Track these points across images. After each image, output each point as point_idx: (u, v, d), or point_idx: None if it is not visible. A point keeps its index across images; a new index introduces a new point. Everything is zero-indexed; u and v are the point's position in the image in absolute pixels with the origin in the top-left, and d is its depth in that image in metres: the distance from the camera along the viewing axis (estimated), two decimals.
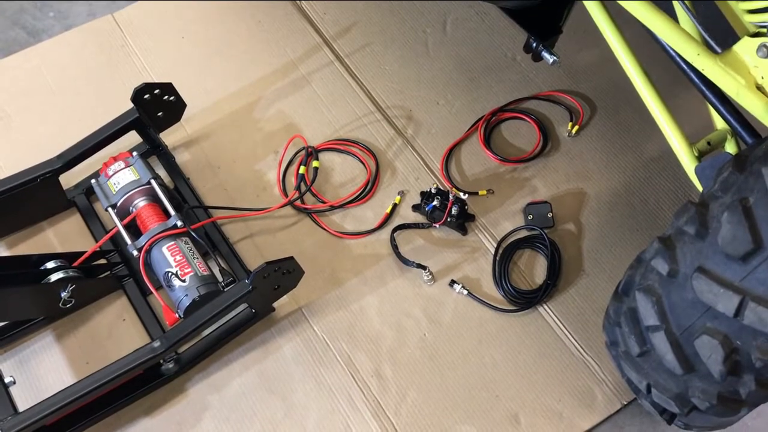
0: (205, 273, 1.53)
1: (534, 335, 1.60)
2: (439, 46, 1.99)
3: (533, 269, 1.67)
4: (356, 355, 1.58)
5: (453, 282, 1.64)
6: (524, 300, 1.62)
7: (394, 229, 1.70)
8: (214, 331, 1.56)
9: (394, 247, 1.68)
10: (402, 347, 1.59)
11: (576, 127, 1.83)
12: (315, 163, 1.76)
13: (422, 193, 1.73)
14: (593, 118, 1.87)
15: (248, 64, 1.96)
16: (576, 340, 1.59)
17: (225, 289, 1.52)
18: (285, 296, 1.59)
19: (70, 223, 1.72)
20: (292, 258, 1.47)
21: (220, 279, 1.56)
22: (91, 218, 1.70)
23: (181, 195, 1.73)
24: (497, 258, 1.68)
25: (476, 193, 1.76)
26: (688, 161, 1.40)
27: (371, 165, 1.80)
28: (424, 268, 1.64)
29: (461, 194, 1.70)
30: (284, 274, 1.49)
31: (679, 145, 1.41)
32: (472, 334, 1.60)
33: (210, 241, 1.67)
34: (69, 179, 1.71)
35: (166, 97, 1.70)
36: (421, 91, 1.92)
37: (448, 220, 1.67)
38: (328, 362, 1.57)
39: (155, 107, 1.70)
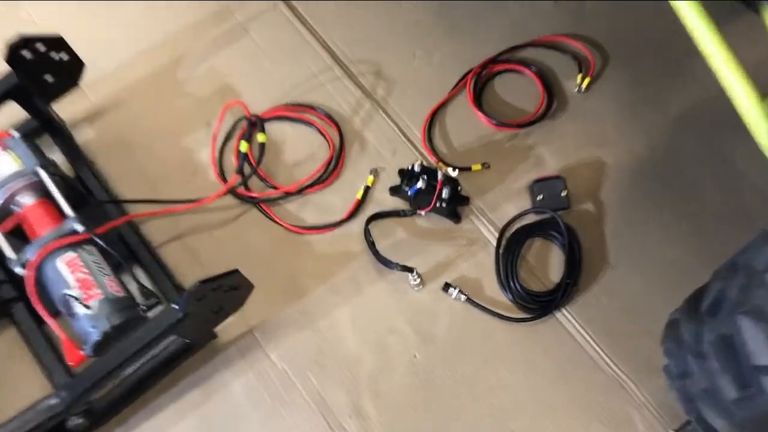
0: (118, 294, 1.13)
1: (553, 349, 1.25)
2: None
3: (547, 264, 1.32)
4: (328, 388, 1.21)
5: (447, 285, 1.28)
6: (538, 304, 1.28)
7: (369, 219, 1.32)
8: (136, 370, 1.17)
9: (370, 243, 1.30)
10: (386, 374, 1.22)
11: (587, 80, 1.47)
12: (261, 137, 1.35)
13: (402, 172, 1.35)
14: (606, 67, 1.51)
15: (166, 10, 1.52)
16: (605, 353, 1.25)
17: (147, 314, 1.13)
18: (232, 317, 1.21)
19: None
20: (236, 272, 1.08)
21: (141, 300, 1.16)
22: None
23: (86, 186, 1.31)
24: (501, 251, 1.32)
25: (469, 169, 1.38)
26: (760, 120, 1.05)
27: (333, 137, 1.41)
28: (410, 270, 1.27)
29: (451, 171, 1.32)
30: (227, 291, 1.10)
31: (746, 99, 1.06)
32: (475, 352, 1.25)
33: (126, 247, 1.26)
34: None
35: (54, 54, 1.26)
36: (391, 41, 1.52)
37: (437, 205, 1.30)
38: (292, 401, 1.20)
39: (42, 68, 1.26)
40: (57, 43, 1.25)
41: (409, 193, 1.31)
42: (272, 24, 1.53)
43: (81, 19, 1.50)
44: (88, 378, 1.04)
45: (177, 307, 1.04)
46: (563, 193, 1.34)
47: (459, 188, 1.32)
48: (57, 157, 1.32)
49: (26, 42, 1.21)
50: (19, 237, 1.19)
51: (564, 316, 1.28)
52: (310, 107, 1.43)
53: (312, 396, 1.20)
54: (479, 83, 1.47)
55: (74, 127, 1.40)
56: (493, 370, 1.23)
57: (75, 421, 1.12)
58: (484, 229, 1.35)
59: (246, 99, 1.41)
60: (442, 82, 1.47)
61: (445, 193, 1.29)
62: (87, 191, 1.30)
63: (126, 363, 1.06)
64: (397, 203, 1.36)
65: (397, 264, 1.27)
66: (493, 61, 1.49)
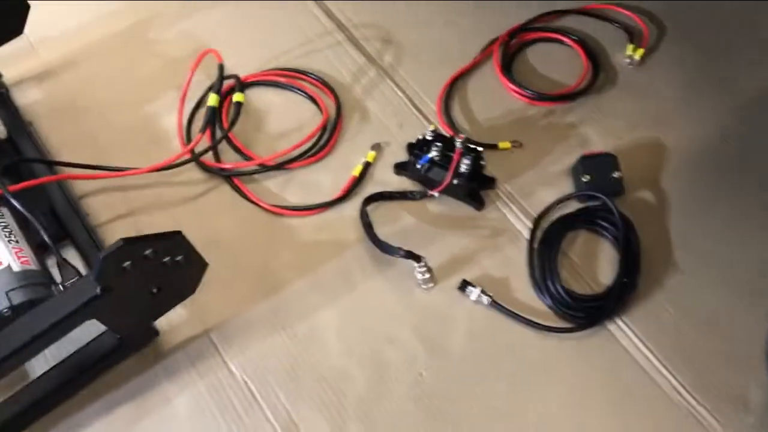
0: (27, 266, 0.85)
1: (603, 368, 0.94)
2: None
3: (595, 262, 1.02)
4: (302, 411, 0.91)
5: (465, 284, 0.99)
6: (584, 311, 0.97)
7: (367, 200, 1.05)
8: (49, 371, 0.88)
9: (367, 224, 1.02)
10: (381, 397, 0.92)
11: (640, 51, 1.21)
12: (238, 97, 1.09)
13: (410, 146, 1.08)
14: (663, 40, 1.25)
15: None
16: (675, 377, 0.94)
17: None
18: (179, 307, 0.92)
19: None
20: (178, 234, 0.79)
21: (60, 279, 0.88)
22: None
23: (18, 151, 1.05)
24: (535, 245, 1.03)
25: (495, 146, 1.11)
26: None
27: (329, 105, 1.15)
28: (416, 258, 0.98)
29: (470, 143, 1.05)
30: (169, 266, 0.81)
31: None
32: (501, 371, 0.94)
33: (57, 222, 0.99)
34: None
35: None
36: (402, 3, 1.28)
37: (454, 182, 1.02)
38: (253, 425, 0.90)
39: None
40: None
41: (418, 165, 1.03)
42: None
43: None
44: None
45: (92, 275, 0.75)
46: (616, 174, 1.06)
47: (482, 162, 1.04)
48: None
49: None
50: None
51: (619, 327, 0.97)
52: (302, 72, 1.18)
53: (280, 419, 0.90)
54: (509, 52, 1.21)
55: (17, 86, 1.15)
56: (523, 396, 0.92)
57: None
58: (513, 217, 1.06)
59: (227, 65, 1.16)
60: (463, 50, 1.22)
61: (463, 166, 1.01)
62: (18, 155, 1.05)
63: (18, 354, 0.76)
64: (404, 184, 1.08)
65: (401, 249, 0.98)
66: (525, 28, 1.24)
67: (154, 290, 0.83)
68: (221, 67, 1.08)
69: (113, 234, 1.02)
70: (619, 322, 0.97)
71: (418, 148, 1.05)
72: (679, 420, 0.91)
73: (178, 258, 0.81)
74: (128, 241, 0.74)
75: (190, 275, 0.86)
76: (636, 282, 0.99)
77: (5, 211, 0.89)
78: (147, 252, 0.77)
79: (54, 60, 1.19)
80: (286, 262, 1.01)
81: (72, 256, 0.98)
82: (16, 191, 0.90)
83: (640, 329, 0.97)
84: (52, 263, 0.92)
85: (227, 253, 1.01)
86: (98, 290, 0.76)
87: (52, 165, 1.02)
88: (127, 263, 0.76)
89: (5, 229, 0.87)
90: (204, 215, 1.05)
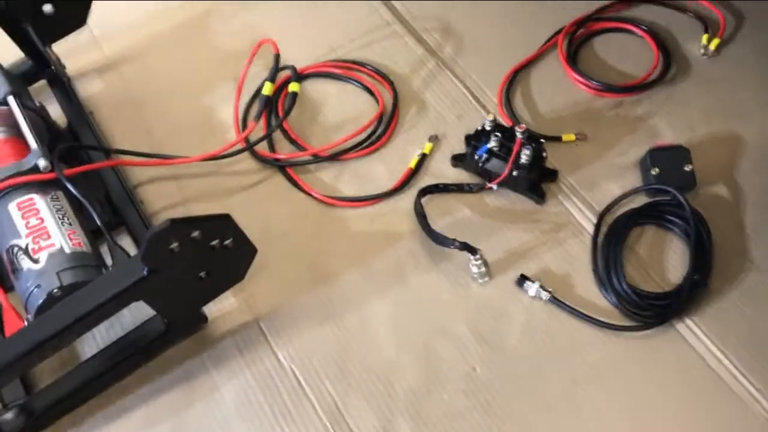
0: (78, 249, 0.85)
1: (673, 370, 0.88)
2: None
3: (664, 258, 0.96)
4: (350, 403, 0.88)
5: (524, 279, 0.94)
6: (652, 310, 0.91)
7: (422, 191, 1.01)
8: (98, 354, 0.88)
9: (421, 215, 0.98)
10: (433, 391, 0.88)
11: (716, 41, 1.14)
12: (293, 87, 1.08)
13: (469, 138, 1.04)
14: (740, 30, 1.18)
15: None
16: (746, 376, 0.87)
17: None
18: (228, 295, 0.91)
19: None
20: (226, 217, 0.78)
21: (110, 262, 0.88)
22: None
23: (78, 140, 1.07)
24: (600, 240, 0.97)
25: (559, 139, 1.06)
26: None
27: (386, 96, 1.12)
28: (472, 250, 0.94)
29: (531, 133, 1.00)
30: (217, 249, 0.80)
31: None
32: (560, 369, 0.89)
33: (112, 208, 1.00)
34: None
35: None
36: None
37: (514, 174, 0.98)
38: (299, 415, 0.87)
39: None
40: None
41: (476, 156, 0.99)
42: None
43: None
44: (8, 352, 0.75)
45: (140, 255, 0.74)
46: (687, 168, 0.99)
47: (544, 155, 0.99)
48: (53, 110, 1.09)
49: None
50: None
51: (688, 327, 0.91)
52: (360, 63, 1.16)
53: (327, 411, 0.87)
54: (574, 42, 1.17)
55: (80, 78, 1.17)
56: (585, 396, 0.87)
57: (5, 417, 0.83)
58: (576, 211, 1.01)
59: (285, 57, 1.14)
60: (526, 41, 1.17)
61: (524, 157, 0.97)
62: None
63: (64, 334, 0.76)
64: (461, 176, 1.05)
65: (456, 240, 0.94)
66: (592, 18, 1.19)
67: (203, 274, 0.82)
68: (277, 57, 1.07)
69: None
70: (689, 322, 0.91)
71: (476, 139, 1.01)
72: (751, 424, 0.84)
73: (227, 242, 0.80)
74: (176, 222, 0.73)
75: (239, 260, 0.85)
76: (707, 280, 0.93)
77: (60, 194, 0.90)
78: (195, 234, 0.75)
79: (115, 52, 1.21)
80: (339, 252, 0.99)
81: (127, 244, 0.99)
82: (72, 175, 0.90)
83: (711, 329, 0.90)
84: (105, 251, 0.92)
85: (279, 243, 0.99)
86: (145, 271, 0.75)
87: (108, 152, 1.02)
88: (174, 245, 0.75)
89: (59, 212, 0.87)
90: (257, 205, 1.04)
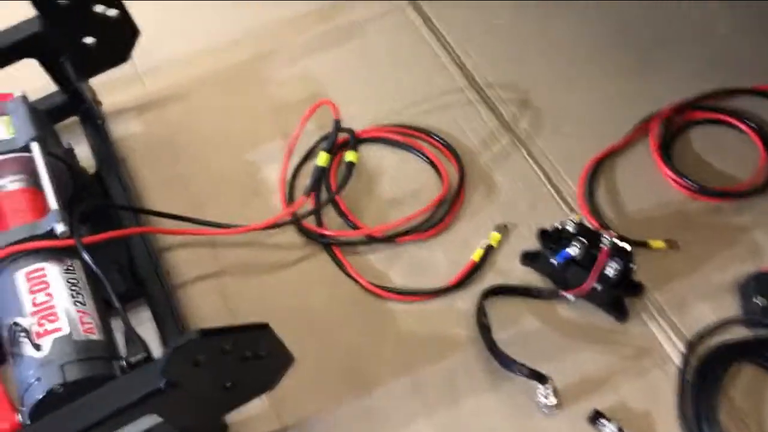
0: (89, 336, 0.73)
1: None
2: (581, 1, 1.20)
3: (765, 408, 0.82)
4: None
5: (598, 415, 0.80)
6: None
7: (486, 293, 0.88)
8: None
9: (484, 328, 0.85)
10: None
11: None
12: (350, 155, 0.95)
13: (544, 233, 0.91)
14: None
15: None
16: None
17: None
18: (256, 400, 0.79)
19: None
20: (266, 327, 0.66)
21: (124, 353, 0.76)
22: None
23: (105, 189, 0.96)
24: (688, 376, 0.83)
25: (646, 245, 0.93)
26: None
27: (451, 173, 1.00)
28: (541, 379, 0.80)
29: (622, 243, 0.87)
30: (248, 359, 0.67)
31: None
32: None
33: (134, 277, 0.88)
34: None
35: (102, 9, 0.94)
36: (546, 63, 1.12)
37: (597, 288, 0.84)
38: None
39: (81, 23, 0.94)
40: None
41: (554, 260, 0.86)
42: (392, 27, 1.17)
43: None
44: None
45: (160, 366, 0.62)
46: None
47: (633, 267, 0.86)
48: (81, 150, 0.99)
49: None
50: None
51: None
52: (424, 132, 1.04)
53: None
54: (669, 132, 1.03)
55: (117, 115, 1.06)
56: None
57: None
58: (662, 336, 0.87)
59: (345, 114, 1.02)
60: (613, 123, 1.04)
61: (610, 271, 0.83)
62: (105, 194, 0.95)
63: None
64: (529, 277, 0.92)
65: (523, 367, 0.81)
66: (692, 105, 1.05)
67: (228, 384, 0.70)
68: (337, 124, 0.94)
69: (194, 298, 0.90)
70: None
71: (553, 238, 0.88)
72: None
73: (262, 351, 0.68)
74: (206, 334, 0.61)
75: (271, 369, 0.72)
76: None
77: (76, 264, 0.78)
78: (228, 345, 0.63)
79: (158, 90, 1.10)
80: (384, 355, 0.86)
81: (146, 317, 0.87)
82: (92, 243, 0.79)
83: None
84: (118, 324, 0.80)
85: (318, 335, 0.87)
86: (162, 384, 0.63)
87: (136, 212, 0.91)
88: (201, 356, 0.63)
89: (73, 287, 0.76)
90: (297, 285, 0.91)
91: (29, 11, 0.90)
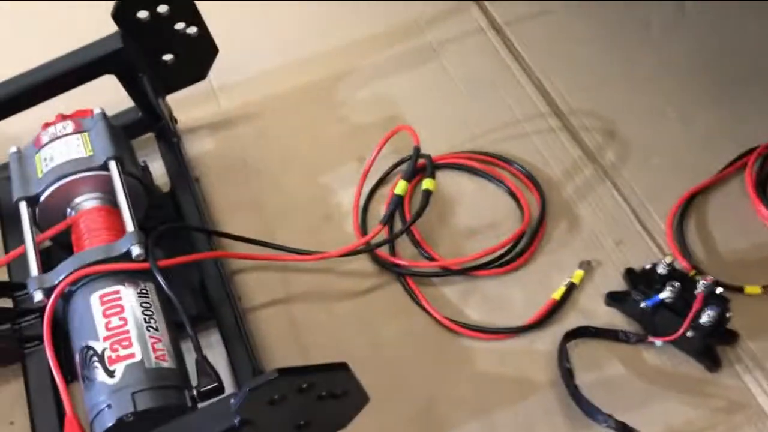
0: (162, 363, 0.71)
1: None
2: (670, 28, 1.15)
3: None
4: None
5: None
6: None
7: (569, 335, 0.84)
8: None
9: (566, 372, 0.81)
10: None
11: None
12: (427, 184, 0.92)
13: (631, 273, 0.86)
14: None
15: (346, 15, 1.19)
16: None
17: (199, 405, 0.71)
18: None
19: None
20: (344, 367, 0.63)
21: (193, 378, 0.74)
22: (12, 223, 0.93)
23: (178, 208, 0.94)
24: None
25: (741, 290, 0.87)
26: None
27: (531, 204, 0.96)
28: None
29: (717, 287, 0.81)
30: (323, 398, 0.65)
31: None
32: None
33: (205, 300, 0.86)
34: None
35: (182, 26, 0.94)
36: (633, 93, 1.07)
37: (689, 335, 0.79)
38: None
39: (161, 41, 0.94)
40: (187, 10, 0.93)
41: (643, 305, 0.81)
42: (473, 51, 1.14)
43: (232, 9, 1.19)
44: None
45: (233, 405, 0.60)
46: None
47: (728, 315, 0.80)
48: (158, 167, 0.98)
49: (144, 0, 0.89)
50: (69, 250, 0.82)
51: None
52: (504, 160, 1.00)
53: None
54: (767, 168, 0.97)
55: (191, 133, 1.06)
56: None
57: None
58: (757, 389, 0.81)
59: (421, 138, 0.99)
60: (705, 157, 0.99)
61: (705, 318, 0.78)
62: (179, 215, 0.94)
63: None
64: (614, 319, 0.87)
65: (609, 417, 0.76)
66: None
67: (301, 422, 0.67)
68: (417, 151, 0.91)
69: (262, 323, 0.88)
70: None
71: (642, 279, 0.83)
72: None
73: (337, 392, 0.65)
74: (284, 374, 0.59)
75: (346, 409, 0.69)
76: None
77: (150, 287, 0.77)
78: (303, 385, 0.61)
79: (233, 108, 1.09)
80: (458, 396, 0.82)
81: (216, 341, 0.85)
82: (164, 267, 0.77)
83: None
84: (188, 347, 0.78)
85: (388, 369, 0.83)
86: (236, 421, 0.61)
87: (211, 235, 0.89)
88: (277, 395, 0.60)
89: (146, 311, 0.74)
90: (368, 316, 0.88)
91: (110, 26, 0.90)
